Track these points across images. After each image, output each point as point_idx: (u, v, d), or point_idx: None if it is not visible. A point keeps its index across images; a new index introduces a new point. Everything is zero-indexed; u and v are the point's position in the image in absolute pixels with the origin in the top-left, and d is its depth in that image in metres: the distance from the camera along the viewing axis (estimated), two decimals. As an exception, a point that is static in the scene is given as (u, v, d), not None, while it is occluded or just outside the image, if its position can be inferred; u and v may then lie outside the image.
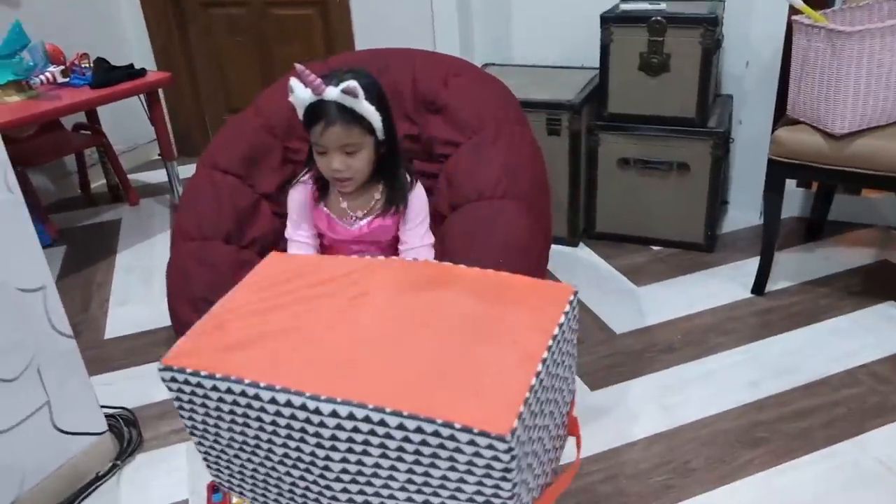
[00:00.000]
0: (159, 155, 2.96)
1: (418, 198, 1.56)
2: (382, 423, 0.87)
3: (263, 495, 1.10)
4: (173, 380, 0.98)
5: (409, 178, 1.58)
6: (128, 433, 1.71)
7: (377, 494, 0.95)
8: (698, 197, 2.26)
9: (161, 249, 2.64)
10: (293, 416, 0.92)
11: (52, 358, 1.47)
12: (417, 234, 1.56)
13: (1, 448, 1.38)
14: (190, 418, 1.04)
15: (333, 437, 0.90)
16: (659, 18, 2.10)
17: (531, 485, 0.95)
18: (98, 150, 3.13)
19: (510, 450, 0.81)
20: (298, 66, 1.36)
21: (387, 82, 1.74)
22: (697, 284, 2.17)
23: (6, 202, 1.35)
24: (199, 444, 1.08)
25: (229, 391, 0.94)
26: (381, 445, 0.89)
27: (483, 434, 0.81)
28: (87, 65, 2.60)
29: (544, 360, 0.90)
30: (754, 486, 1.45)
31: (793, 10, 1.79)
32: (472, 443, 0.82)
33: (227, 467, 1.09)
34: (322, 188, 1.57)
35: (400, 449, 0.88)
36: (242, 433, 0.99)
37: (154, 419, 1.77)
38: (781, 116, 1.99)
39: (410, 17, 2.74)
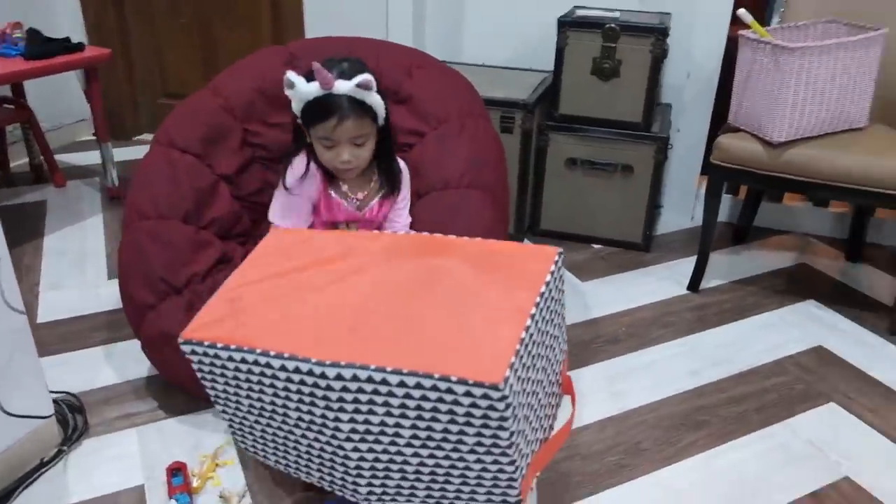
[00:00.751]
0: (94, 135, 2.83)
1: (407, 180, 1.60)
2: (384, 381, 0.92)
3: (284, 457, 1.15)
4: (193, 352, 1.06)
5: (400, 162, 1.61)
6: (72, 419, 1.64)
7: (385, 451, 1.00)
8: (639, 199, 2.38)
9: (94, 234, 2.53)
10: (302, 382, 0.97)
11: (3, 334, 1.40)
12: (403, 215, 1.60)
13: (-56, 429, 1.31)
14: (212, 387, 1.10)
15: (340, 399, 0.95)
16: (613, 26, 2.20)
17: (529, 437, 1.00)
18: (22, 126, 2.96)
19: (504, 398, 0.86)
20: (315, 65, 1.35)
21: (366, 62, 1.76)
22: (637, 281, 2.28)
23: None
24: (224, 411, 1.15)
25: (244, 360, 1.00)
26: (385, 404, 0.94)
27: (478, 384, 0.86)
28: (20, 35, 2.47)
29: (533, 315, 0.96)
30: (699, 464, 1.55)
31: (741, 25, 1.92)
32: (468, 394, 0.87)
33: (251, 432, 1.15)
34: (329, 176, 1.57)
35: (403, 406, 0.93)
36: (260, 399, 1.05)
37: (99, 404, 1.70)
38: (716, 127, 2.12)
39: (364, 9, 2.75)
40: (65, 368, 1.83)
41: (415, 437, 0.97)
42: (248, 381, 1.03)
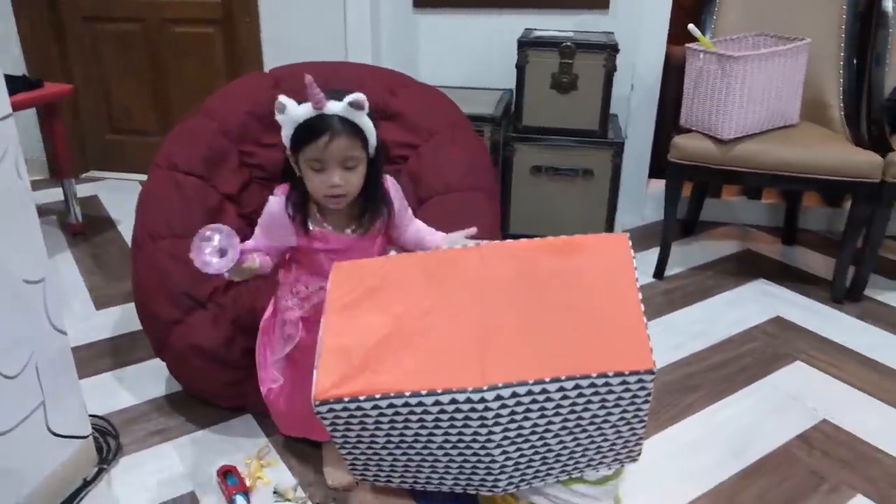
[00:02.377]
0: (53, 174, 2.79)
1: (395, 188, 1.54)
2: (544, 391, 0.99)
3: (414, 477, 1.15)
4: (330, 410, 1.03)
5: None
6: (103, 440, 1.65)
7: (532, 447, 1.07)
8: (600, 200, 2.59)
9: (67, 270, 2.50)
10: (457, 410, 1.00)
11: (49, 355, 1.42)
12: (408, 217, 1.60)
13: (1, 450, 1.31)
14: (343, 436, 1.09)
15: (497, 416, 1.00)
16: (569, 44, 2.41)
17: None
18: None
19: (654, 377, 0.99)
20: (308, 78, 1.32)
21: (350, 78, 1.86)
22: (606, 275, 2.48)
23: (17, 189, 1.31)
24: (349, 453, 1.13)
25: (391, 405, 1.01)
26: (541, 409, 1.01)
27: (634, 373, 0.99)
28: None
29: (640, 298, 1.06)
30: (700, 420, 1.73)
31: (689, 38, 2.17)
32: (623, 383, 0.99)
33: (377, 464, 1.14)
34: (303, 215, 1.45)
35: (557, 406, 1.01)
36: (401, 435, 1.05)
37: (125, 425, 1.71)
38: (659, 133, 2.34)
39: (322, 35, 2.86)
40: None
41: (563, 428, 1.05)
42: (391, 423, 1.03)
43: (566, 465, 1.13)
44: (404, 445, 1.08)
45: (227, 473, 1.51)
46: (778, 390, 1.85)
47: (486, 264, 1.16)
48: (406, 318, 1.10)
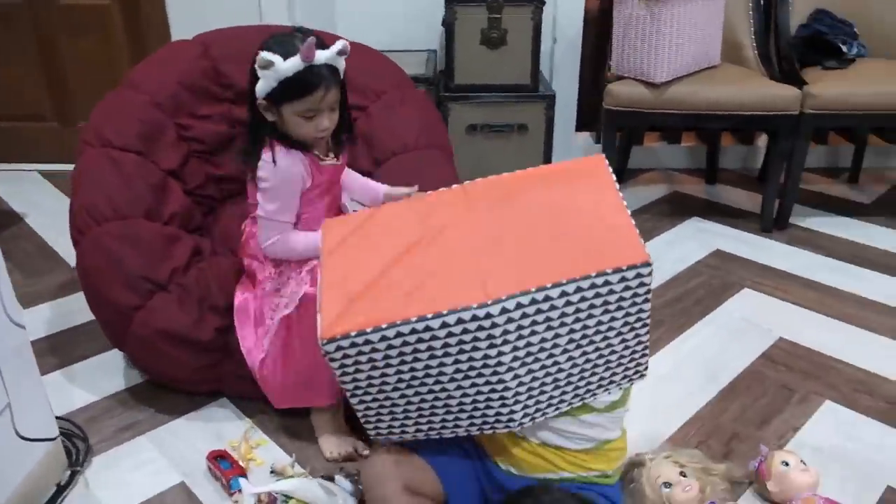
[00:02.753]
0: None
1: None
2: (547, 298, 0.99)
3: (428, 423, 1.14)
4: (338, 349, 1.02)
5: None
6: (69, 441, 1.52)
7: (543, 367, 1.07)
8: (536, 154, 2.62)
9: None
10: (464, 331, 0.99)
11: (9, 352, 1.29)
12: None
13: (-30, 461, 1.19)
14: (353, 380, 1.07)
15: (504, 332, 1.00)
16: (497, -2, 2.41)
17: None
18: None
19: (651, 270, 1.01)
20: (311, 39, 1.32)
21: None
22: (548, 227, 2.52)
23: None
24: (360, 402, 1.11)
25: (398, 335, 1.00)
26: (546, 319, 1.02)
27: (631, 268, 1.00)
28: None
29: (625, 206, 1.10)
30: (669, 353, 1.81)
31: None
32: (622, 279, 1.01)
33: (389, 413, 1.12)
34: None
35: (562, 315, 1.02)
36: (412, 369, 1.04)
37: (88, 423, 1.59)
38: (583, 85, 2.38)
39: (235, 3, 2.72)
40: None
41: (570, 341, 1.05)
42: (400, 355, 1.03)
43: (577, 388, 1.14)
44: (416, 383, 1.07)
45: (218, 458, 1.43)
46: (732, 317, 1.96)
47: (469, 196, 1.19)
48: (401, 251, 1.11)
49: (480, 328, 1.00)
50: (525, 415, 1.12)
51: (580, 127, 2.98)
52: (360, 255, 1.13)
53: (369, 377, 1.06)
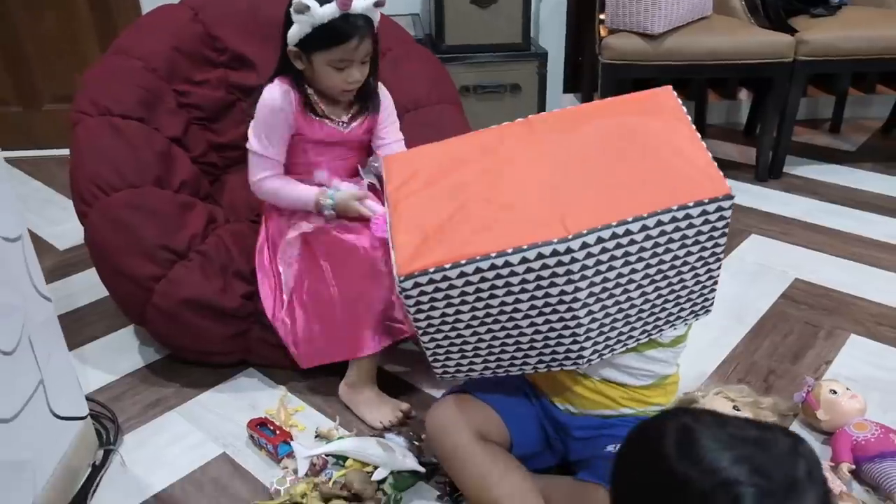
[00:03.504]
0: None
1: (388, 97, 1.57)
2: (627, 232, 0.97)
3: (497, 362, 1.12)
4: (415, 286, 0.99)
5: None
6: (97, 422, 1.45)
7: (616, 302, 1.04)
8: (529, 113, 2.58)
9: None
10: (543, 266, 0.96)
11: (39, 326, 1.21)
12: (394, 130, 1.57)
13: (8, 441, 1.11)
14: (427, 318, 1.04)
15: (583, 268, 0.97)
16: (486, -46, 2.37)
17: None
18: None
19: (732, 204, 0.99)
20: None
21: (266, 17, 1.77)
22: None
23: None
24: (431, 339, 1.08)
25: (477, 270, 0.97)
26: (625, 254, 0.99)
27: (713, 201, 0.97)
28: None
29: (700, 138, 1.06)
30: (693, 300, 1.82)
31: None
32: (703, 213, 0.98)
33: (459, 351, 1.10)
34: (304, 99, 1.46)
35: (640, 250, 0.99)
36: (486, 306, 1.01)
37: (112, 402, 1.52)
38: (572, 43, 2.37)
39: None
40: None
41: (645, 276, 1.03)
42: (476, 291, 1.00)
43: (647, 324, 1.12)
44: (489, 320, 1.05)
45: (260, 426, 1.38)
46: (746, 261, 1.98)
47: (535, 128, 1.15)
48: (472, 188, 1.07)
49: (560, 263, 0.97)
50: (595, 351, 1.10)
51: (565, 89, 2.97)
52: (430, 189, 1.09)
53: (443, 314, 1.04)
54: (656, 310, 1.11)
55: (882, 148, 2.73)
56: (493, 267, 0.98)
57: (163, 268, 1.50)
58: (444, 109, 1.82)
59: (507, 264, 0.97)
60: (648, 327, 1.13)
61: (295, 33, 1.35)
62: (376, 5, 1.36)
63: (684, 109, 1.12)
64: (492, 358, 1.12)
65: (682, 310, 1.14)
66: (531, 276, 0.99)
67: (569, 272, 0.98)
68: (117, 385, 1.57)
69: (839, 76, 2.81)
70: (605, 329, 1.09)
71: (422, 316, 1.04)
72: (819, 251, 2.01)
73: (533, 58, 2.52)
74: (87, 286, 1.93)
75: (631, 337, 1.13)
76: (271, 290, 1.49)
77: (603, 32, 2.39)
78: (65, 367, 1.30)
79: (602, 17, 2.44)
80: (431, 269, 0.98)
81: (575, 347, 1.08)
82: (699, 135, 1.08)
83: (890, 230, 2.10)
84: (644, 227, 0.98)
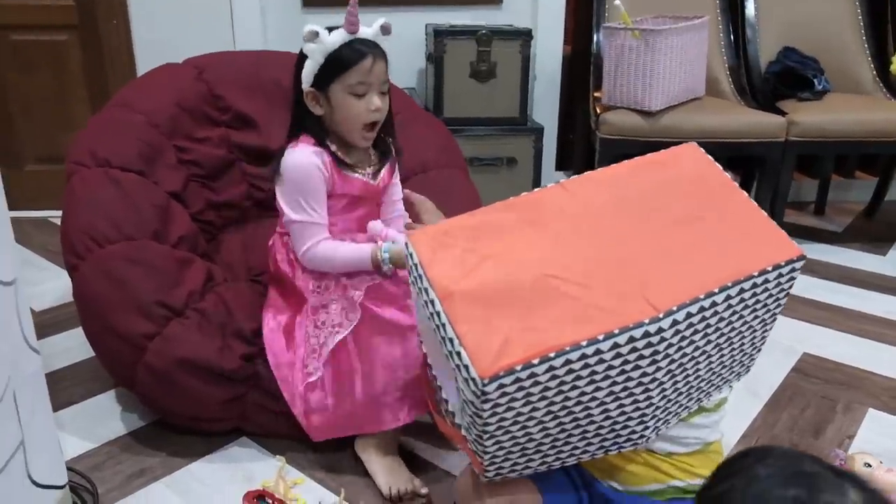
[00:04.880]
0: None
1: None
2: (713, 304, 0.92)
3: (557, 455, 1.02)
4: (499, 387, 0.86)
5: None
6: (73, 493, 1.31)
7: (686, 376, 0.98)
8: (525, 188, 2.57)
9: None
10: (632, 350, 0.89)
11: (25, 380, 1.10)
12: (398, 190, 1.51)
13: (-19, 510, 0.99)
14: (499, 421, 0.91)
15: (668, 346, 0.90)
16: (486, 31, 2.41)
17: None
18: None
19: (804, 263, 0.98)
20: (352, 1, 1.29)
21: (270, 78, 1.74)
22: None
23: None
24: (496, 442, 0.95)
25: (566, 363, 0.87)
26: (705, 327, 0.94)
27: (788, 262, 0.97)
28: None
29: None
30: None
31: (614, 18, 2.27)
32: (778, 276, 0.96)
33: (521, 451, 0.99)
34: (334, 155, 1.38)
35: (719, 319, 0.95)
36: (564, 398, 0.91)
37: (91, 471, 1.39)
38: (566, 119, 2.41)
39: (206, 36, 2.61)
40: None
41: (716, 345, 0.98)
42: (559, 385, 0.89)
43: (701, 392, 1.06)
44: (563, 413, 0.94)
45: (258, 499, 1.27)
46: (753, 335, 1.95)
47: (575, 196, 1.06)
48: (530, 268, 0.96)
49: (648, 345, 0.89)
50: (655, 428, 1.03)
51: (557, 166, 2.99)
52: (487, 281, 0.95)
53: (518, 414, 0.91)
54: (713, 376, 1.06)
55: (867, 229, 2.78)
56: (582, 357, 0.88)
57: (158, 325, 1.40)
58: (452, 174, 1.80)
59: (597, 352, 0.88)
60: (702, 394, 1.08)
61: (309, 70, 1.32)
62: (383, 31, 1.35)
63: (719, 167, 1.10)
64: (552, 452, 1.01)
65: (731, 372, 1.09)
66: (617, 362, 0.90)
67: (654, 353, 0.90)
68: (97, 453, 1.45)
69: (823, 160, 2.88)
70: (670, 405, 1.02)
71: (494, 420, 0.91)
72: (823, 326, 1.99)
73: (530, 132, 2.54)
74: (64, 349, 1.82)
75: (685, 407, 1.07)
76: (291, 355, 1.39)
77: (599, 110, 2.43)
78: (48, 427, 1.17)
79: (598, 94, 2.49)
80: (519, 367, 0.86)
81: (639, 428, 1.00)
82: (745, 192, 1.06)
83: (890, 307, 2.10)
84: (727, 297, 0.93)
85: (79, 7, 2.62)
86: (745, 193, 1.07)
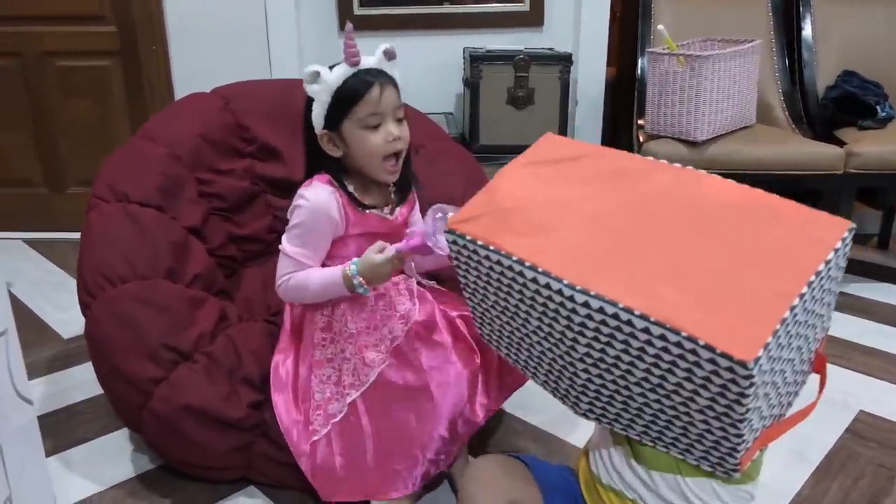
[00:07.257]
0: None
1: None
2: (629, 323, 0.85)
3: (517, 354, 1.10)
4: (454, 242, 1.03)
5: None
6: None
7: (614, 382, 0.95)
8: (562, 217, 2.50)
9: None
10: (549, 298, 0.93)
11: (14, 433, 1.07)
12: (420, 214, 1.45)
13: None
14: (464, 276, 1.07)
15: (582, 325, 0.91)
16: (524, 56, 2.33)
17: (764, 413, 0.91)
18: None
19: (750, 377, 0.79)
20: (348, 26, 1.26)
21: (296, 108, 1.68)
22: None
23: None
24: (470, 298, 1.11)
25: (499, 262, 0.98)
26: (625, 342, 0.88)
27: (725, 356, 0.79)
28: None
29: (802, 296, 0.85)
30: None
31: (657, 43, 2.16)
32: (712, 361, 0.80)
33: (490, 324, 1.11)
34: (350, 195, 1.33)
35: (641, 350, 0.87)
36: (505, 300, 1.02)
37: (92, 520, 1.35)
38: (610, 145, 2.31)
39: (244, 62, 2.61)
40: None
41: (646, 379, 0.90)
42: (498, 280, 1.00)
43: (649, 427, 0.97)
44: (508, 313, 1.03)
45: (256, 558, 1.20)
46: (804, 389, 1.80)
47: (672, 186, 1.02)
48: (566, 195, 1.03)
49: (562, 305, 0.92)
50: (591, 410, 1.03)
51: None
52: (538, 181, 1.08)
53: (476, 282, 1.06)
54: (659, 420, 0.95)
55: (936, 267, 2.58)
56: (510, 268, 0.97)
57: (165, 369, 1.36)
58: (478, 209, 1.71)
59: (521, 274, 0.96)
60: (652, 430, 0.98)
61: (318, 113, 1.27)
62: (387, 56, 1.29)
63: (828, 257, 0.92)
64: (513, 349, 1.10)
65: (693, 447, 0.96)
66: (538, 300, 0.96)
67: (569, 318, 0.94)
68: (101, 497, 1.41)
69: (886, 190, 2.69)
70: (602, 399, 1.00)
71: (460, 271, 1.06)
72: (879, 378, 1.83)
73: (568, 160, 2.44)
74: (84, 381, 1.80)
75: (632, 425, 1.00)
76: (295, 406, 1.33)
77: (642, 138, 2.32)
78: (39, 479, 1.15)
79: (641, 122, 2.38)
80: (468, 238, 1.00)
81: (572, 393, 1.03)
82: (803, 290, 0.86)
83: (956, 358, 1.93)
84: (647, 331, 0.85)
85: (121, 33, 2.65)
86: (802, 290, 0.89)
